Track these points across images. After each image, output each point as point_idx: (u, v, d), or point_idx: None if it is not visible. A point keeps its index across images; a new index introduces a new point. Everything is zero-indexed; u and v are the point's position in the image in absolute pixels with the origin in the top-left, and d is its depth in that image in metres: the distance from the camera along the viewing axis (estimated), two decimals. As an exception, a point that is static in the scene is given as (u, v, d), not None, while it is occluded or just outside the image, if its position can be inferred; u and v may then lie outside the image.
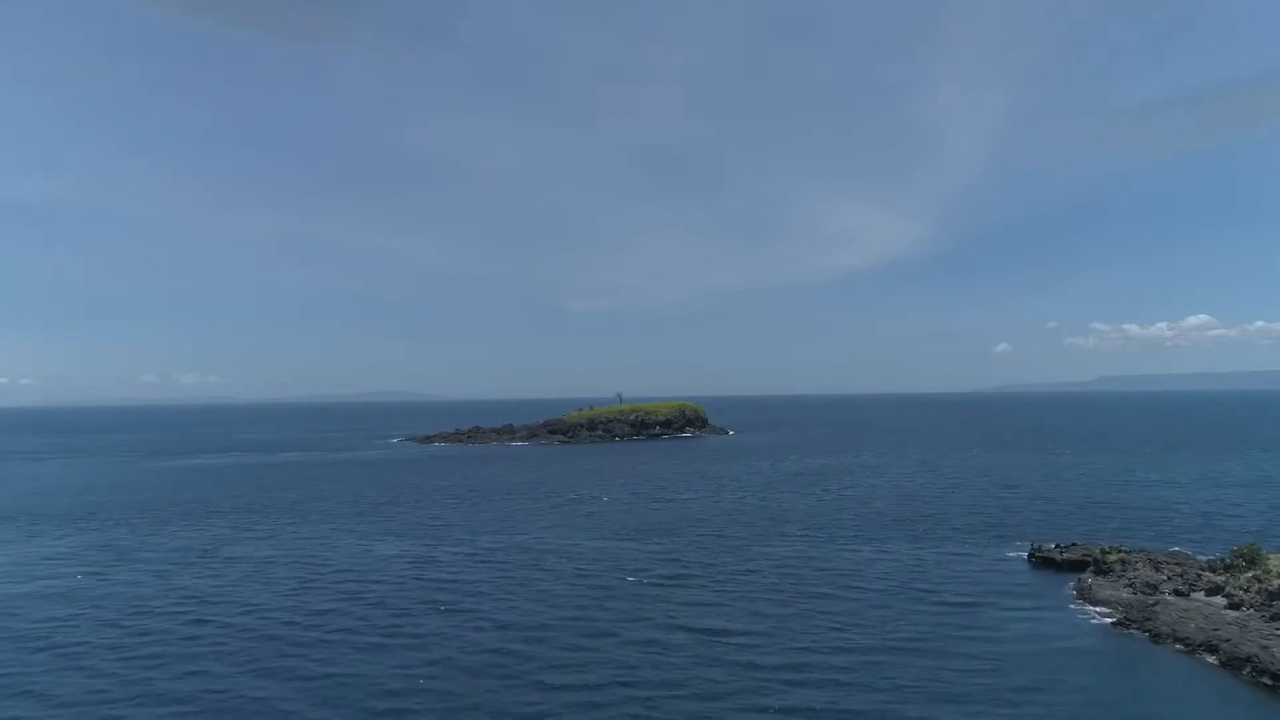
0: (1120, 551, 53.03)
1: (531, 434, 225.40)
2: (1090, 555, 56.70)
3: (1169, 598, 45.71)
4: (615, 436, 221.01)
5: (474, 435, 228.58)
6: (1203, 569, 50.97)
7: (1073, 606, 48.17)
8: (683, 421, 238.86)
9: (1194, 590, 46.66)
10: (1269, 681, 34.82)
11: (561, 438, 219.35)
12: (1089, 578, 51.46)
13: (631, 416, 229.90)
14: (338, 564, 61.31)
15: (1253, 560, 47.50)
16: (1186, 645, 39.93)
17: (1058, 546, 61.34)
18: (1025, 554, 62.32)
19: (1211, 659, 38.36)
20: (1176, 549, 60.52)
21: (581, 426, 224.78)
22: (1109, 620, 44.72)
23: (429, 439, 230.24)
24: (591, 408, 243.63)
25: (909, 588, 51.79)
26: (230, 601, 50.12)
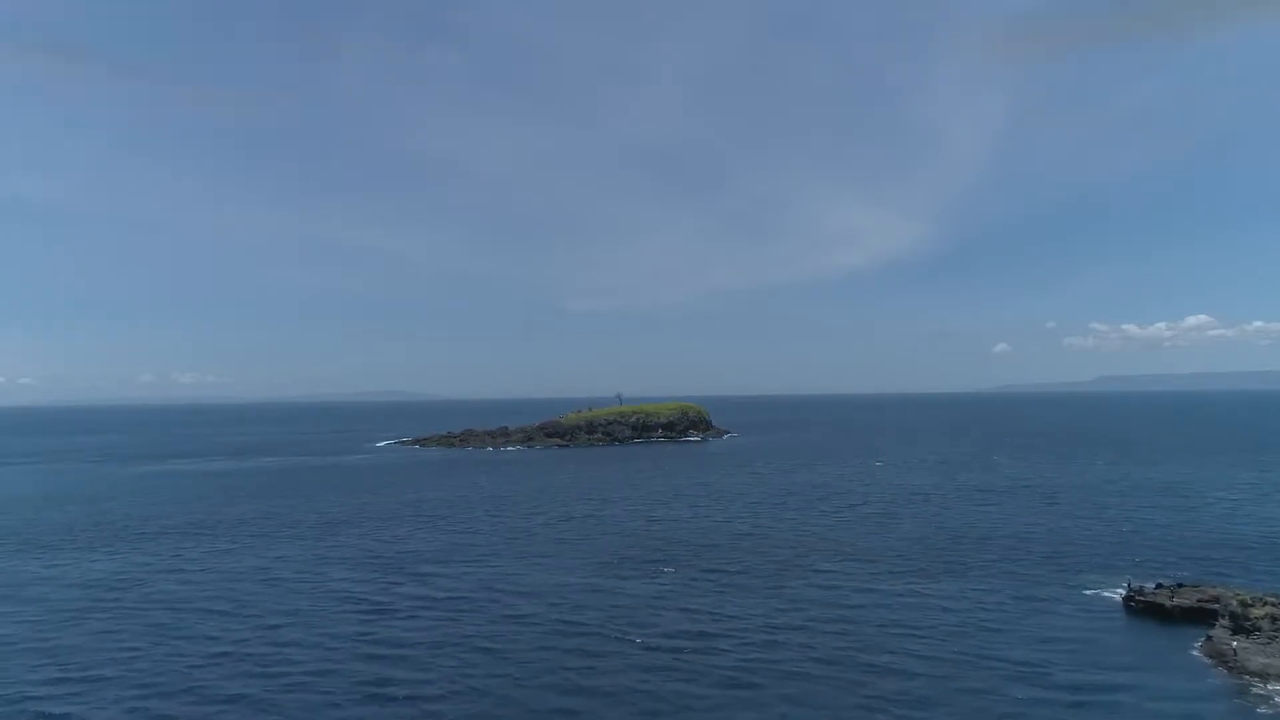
0: (1267, 602, 41.53)
1: (527, 437, 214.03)
2: (1210, 600, 45.41)
3: (1353, 673, 34.33)
4: (615, 439, 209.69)
5: (466, 438, 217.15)
6: (1371, 626, 39.55)
7: (1216, 680, 36.81)
8: (685, 424, 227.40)
9: (1380, 660, 35.28)
10: None
11: (559, 441, 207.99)
12: (1225, 637, 40.05)
13: (632, 418, 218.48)
14: (268, 613, 49.28)
15: None
16: None
17: (1161, 587, 50.00)
18: (1118, 595, 51.03)
19: None
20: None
21: (580, 429, 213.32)
22: (1283, 706, 33.33)
23: (420, 442, 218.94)
24: (591, 409, 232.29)
25: (997, 656, 40.09)
26: (110, 681, 38.10)
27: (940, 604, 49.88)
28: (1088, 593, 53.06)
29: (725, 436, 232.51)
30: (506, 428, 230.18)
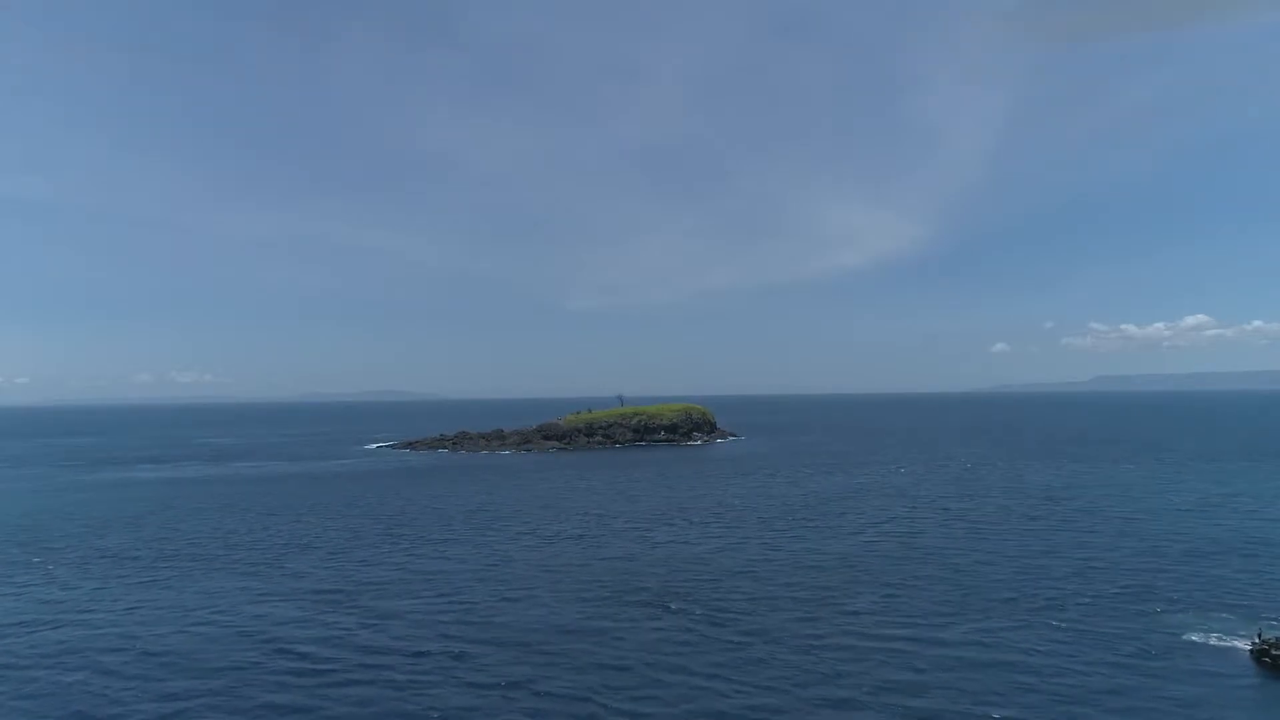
0: None
1: (523, 440, 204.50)
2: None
3: None
4: (616, 442, 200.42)
5: (460, 441, 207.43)
6: None
7: None
8: (689, 426, 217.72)
9: None
10: None
11: (556, 444, 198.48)
12: None
13: (634, 421, 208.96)
14: (169, 688, 38.59)
15: None
16: None
17: (1299, 638, 40.64)
18: (1238, 646, 41.80)
19: None
20: None
21: (579, 432, 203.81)
22: None
23: (411, 445, 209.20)
24: (590, 410, 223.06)
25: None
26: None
27: (1025, 666, 40.28)
28: (1190, 639, 43.85)
29: (729, 439, 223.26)
30: (502, 430, 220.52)
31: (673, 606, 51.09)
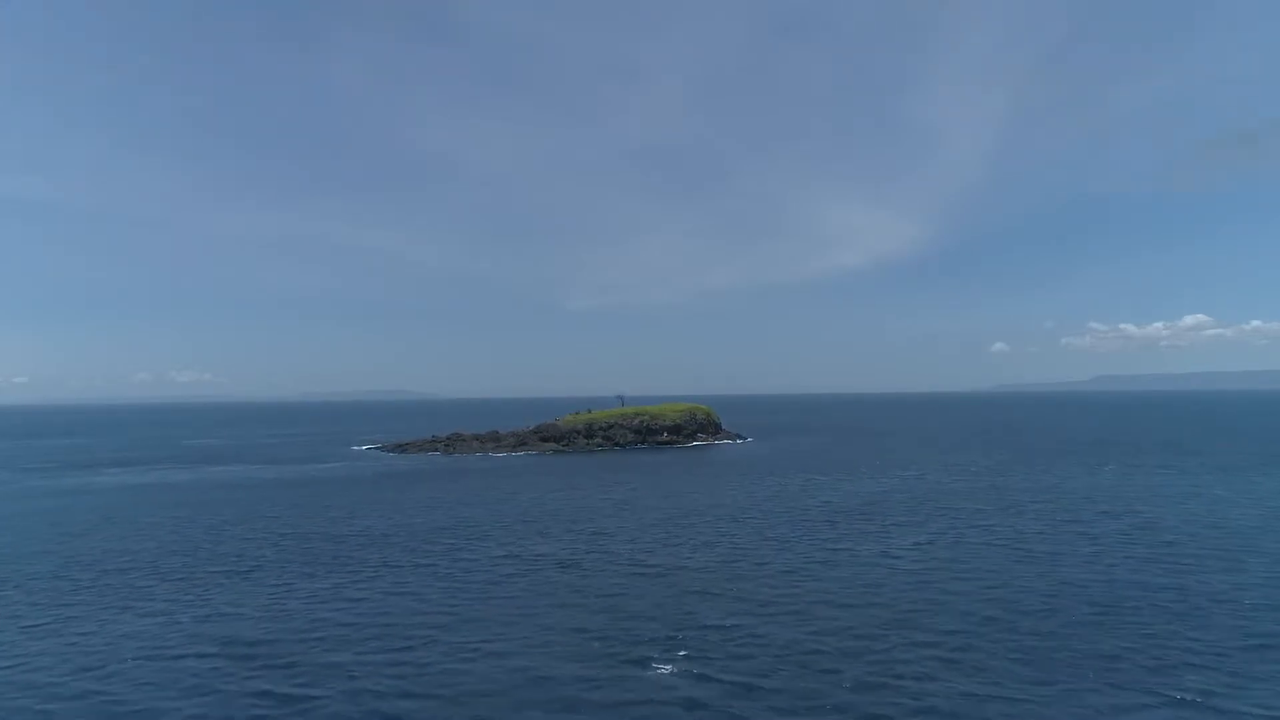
0: None
1: (520, 441, 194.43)
2: None
3: None
4: (616, 444, 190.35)
5: (453, 443, 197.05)
6: None
7: None
8: (694, 427, 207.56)
9: None
10: None
11: (554, 446, 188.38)
12: None
13: (635, 421, 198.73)
14: None
15: None
16: None
17: None
18: None
19: None
20: None
21: (578, 433, 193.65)
22: None
23: (402, 447, 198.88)
24: (590, 410, 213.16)
25: None
26: None
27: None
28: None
29: (734, 441, 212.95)
30: (497, 431, 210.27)
31: (684, 666, 40.58)
